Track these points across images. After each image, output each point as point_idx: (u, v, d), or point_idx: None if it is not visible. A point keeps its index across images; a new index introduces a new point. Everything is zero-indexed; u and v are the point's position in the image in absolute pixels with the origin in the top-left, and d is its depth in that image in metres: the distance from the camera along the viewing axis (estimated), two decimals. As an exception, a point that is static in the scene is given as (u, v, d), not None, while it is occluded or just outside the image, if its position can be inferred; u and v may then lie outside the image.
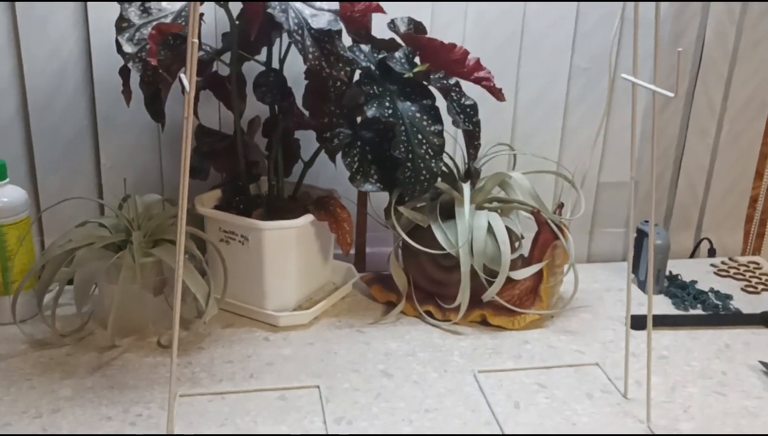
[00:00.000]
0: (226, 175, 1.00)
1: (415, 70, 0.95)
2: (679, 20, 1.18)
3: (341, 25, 0.78)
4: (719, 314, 1.03)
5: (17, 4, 0.98)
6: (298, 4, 0.76)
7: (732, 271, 1.18)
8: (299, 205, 0.98)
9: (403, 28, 0.97)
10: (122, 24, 0.71)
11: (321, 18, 0.76)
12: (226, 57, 0.93)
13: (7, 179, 0.92)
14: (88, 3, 0.99)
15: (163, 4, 0.73)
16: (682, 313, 1.04)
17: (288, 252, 0.94)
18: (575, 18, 1.15)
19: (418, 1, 1.06)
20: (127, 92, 0.81)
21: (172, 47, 0.78)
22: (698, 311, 1.05)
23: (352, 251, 1.17)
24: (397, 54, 0.96)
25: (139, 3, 0.72)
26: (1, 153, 1.04)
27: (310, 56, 0.75)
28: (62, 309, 0.95)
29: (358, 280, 1.06)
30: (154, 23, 0.72)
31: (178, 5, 0.74)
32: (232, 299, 0.96)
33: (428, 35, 0.99)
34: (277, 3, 0.75)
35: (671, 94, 0.63)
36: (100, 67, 1.03)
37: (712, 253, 1.25)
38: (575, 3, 1.14)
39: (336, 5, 0.77)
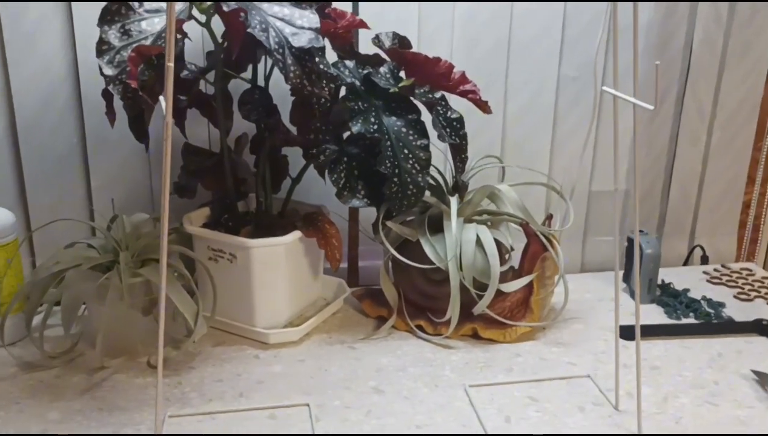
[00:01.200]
0: (214, 193, 1.00)
1: (400, 84, 0.95)
2: (666, 26, 1.18)
3: (323, 43, 0.78)
4: (711, 323, 1.03)
5: (4, 22, 0.99)
6: (278, 23, 0.76)
7: (725, 278, 1.18)
8: (288, 221, 0.98)
9: (387, 43, 0.97)
10: (102, 47, 0.72)
11: (302, 36, 0.76)
12: (212, 75, 0.93)
13: (-6, 203, 0.92)
14: (75, 23, 1.00)
15: (143, 25, 0.74)
16: (674, 322, 1.03)
17: (277, 269, 0.94)
18: (561, 26, 1.15)
19: (405, 0, 1.05)
20: (110, 114, 0.81)
21: (156, 67, 0.78)
22: (690, 320, 1.04)
23: (344, 265, 1.17)
24: (382, 69, 0.96)
25: (119, 25, 0.72)
26: (-10, 175, 1.04)
27: (292, 75, 0.75)
28: (51, 331, 0.95)
29: (349, 295, 1.06)
30: (134, 45, 0.72)
31: (159, 26, 0.74)
32: (222, 317, 0.96)
33: (415, 47, 1.00)
34: (257, 22, 0.75)
35: (650, 108, 0.63)
36: (89, 85, 1.04)
37: (705, 260, 1.25)
38: (561, 11, 1.14)
39: (317, 23, 0.77)
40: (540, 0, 1.12)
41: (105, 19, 0.73)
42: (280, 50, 0.75)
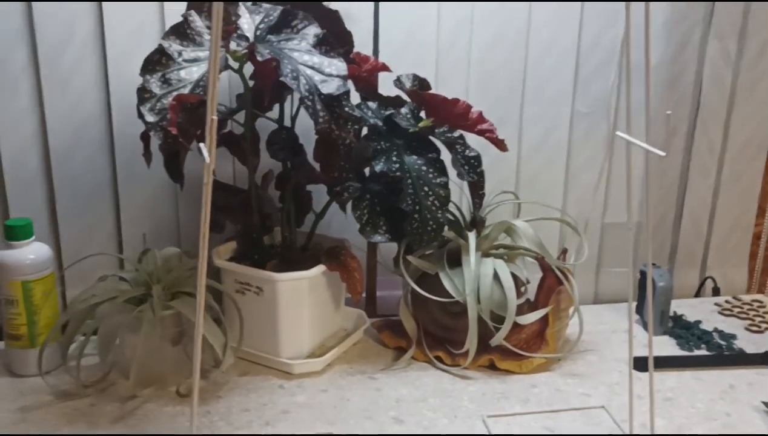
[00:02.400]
0: (241, 228, 1.04)
1: (420, 125, 1.00)
2: (676, 64, 1.22)
3: (349, 87, 0.82)
4: (723, 355, 1.05)
5: (42, 64, 1.04)
6: (308, 71, 0.80)
7: (736, 310, 1.21)
8: (311, 255, 1.02)
9: (408, 85, 1.01)
10: (144, 94, 0.76)
11: (330, 84, 0.80)
12: (240, 115, 0.97)
13: (33, 237, 0.96)
14: (109, 62, 1.05)
15: (182, 74, 0.78)
16: (687, 354, 1.06)
17: (301, 301, 0.97)
18: (575, 64, 1.20)
19: (422, 1, 1.09)
20: (147, 155, 0.86)
21: (190, 111, 0.83)
22: (703, 352, 1.07)
23: (362, 295, 1.20)
24: (403, 110, 1.00)
25: (160, 74, 0.77)
26: (23, 208, 1.09)
27: (321, 120, 0.80)
28: (84, 360, 0.98)
29: (369, 326, 1.09)
30: (174, 93, 0.76)
31: (196, 75, 0.79)
32: (247, 348, 1.00)
33: (432, 88, 1.04)
34: (289, 71, 0.79)
35: (662, 154, 0.67)
36: (120, 123, 1.08)
37: (716, 291, 1.28)
38: (575, 51, 1.18)
39: (345, 71, 0.82)
40: None
41: (147, 69, 0.78)
42: (310, 97, 0.79)
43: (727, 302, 1.24)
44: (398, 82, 1.01)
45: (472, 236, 0.99)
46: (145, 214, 1.13)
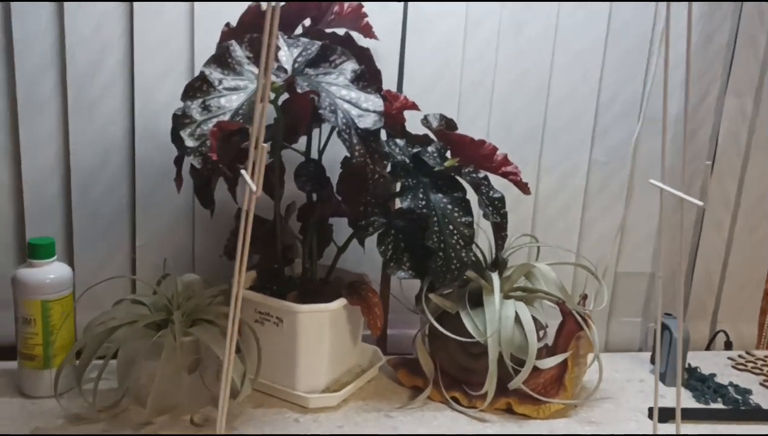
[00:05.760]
0: (262, 258, 1.04)
1: (446, 164, 1.00)
2: (693, 121, 1.24)
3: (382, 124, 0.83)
4: (741, 409, 1.05)
5: (70, 89, 1.05)
6: (345, 105, 0.81)
7: (750, 365, 1.20)
8: (332, 288, 1.01)
9: (435, 124, 1.02)
10: (185, 120, 0.77)
11: (367, 118, 0.81)
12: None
13: (55, 256, 0.96)
14: (136, 90, 1.06)
15: (222, 101, 0.79)
16: (704, 406, 1.05)
17: (321, 334, 0.97)
18: (594, 114, 1.22)
19: (450, 1, 1.11)
20: (179, 180, 0.86)
21: (223, 138, 0.83)
22: (719, 405, 1.06)
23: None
24: (430, 148, 1.01)
25: (200, 101, 0.77)
26: (42, 229, 1.08)
27: (357, 154, 0.80)
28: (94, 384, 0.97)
29: (384, 363, 1.08)
30: (214, 120, 0.77)
31: (236, 103, 0.79)
32: (263, 379, 0.98)
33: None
34: (327, 104, 0.80)
35: (700, 203, 0.67)
36: (143, 150, 1.09)
37: (728, 345, 1.28)
38: (594, 102, 1.20)
39: (381, 106, 0.83)
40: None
41: (188, 95, 0.79)
42: (347, 130, 0.80)
43: (740, 356, 1.24)
44: (425, 121, 1.02)
45: (495, 276, 0.99)
46: (161, 241, 1.13)
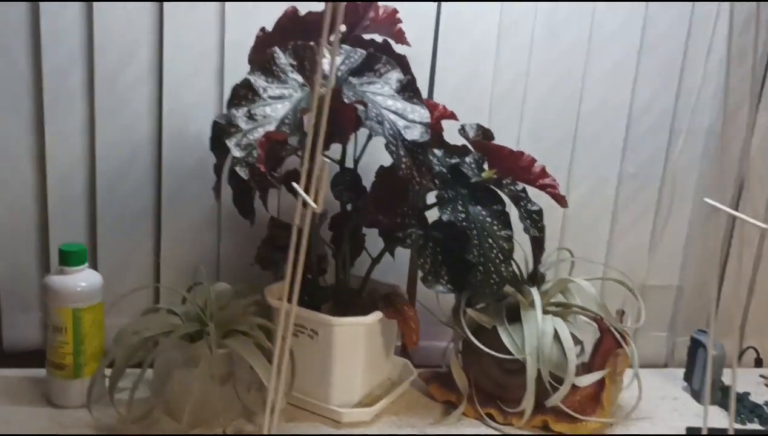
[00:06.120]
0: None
1: (484, 175, 0.99)
2: (726, 132, 1.23)
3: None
4: (776, 429, 1.03)
5: (97, 88, 1.03)
6: (392, 116, 0.80)
7: (782, 383, 1.19)
8: (366, 300, 1.00)
9: (472, 134, 1.01)
10: (231, 129, 0.75)
11: (414, 130, 0.79)
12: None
13: (86, 264, 0.94)
14: (165, 90, 1.04)
15: (268, 110, 0.77)
16: (740, 426, 1.04)
17: (356, 348, 0.95)
18: (626, 125, 1.20)
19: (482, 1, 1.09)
20: (218, 189, 0.84)
21: (270, 148, 0.81)
22: (755, 426, 1.05)
23: (397, 344, 1.18)
24: (468, 159, 1.00)
25: (246, 109, 0.76)
26: (64, 232, 1.07)
27: (404, 166, 0.79)
28: (123, 394, 0.95)
29: (415, 377, 1.07)
30: (260, 130, 0.75)
31: (281, 112, 0.78)
32: (295, 392, 0.97)
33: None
34: (374, 115, 0.78)
35: (764, 226, 0.66)
36: (170, 152, 1.07)
37: (758, 362, 1.26)
38: (627, 112, 1.19)
39: (427, 117, 0.81)
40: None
41: (233, 103, 0.77)
42: (394, 142, 0.79)
43: (772, 374, 1.23)
44: (462, 131, 1.00)
45: (535, 292, 0.98)
46: (185, 246, 1.12)
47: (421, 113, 0.81)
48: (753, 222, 0.68)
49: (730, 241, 1.29)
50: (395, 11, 0.99)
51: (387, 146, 0.79)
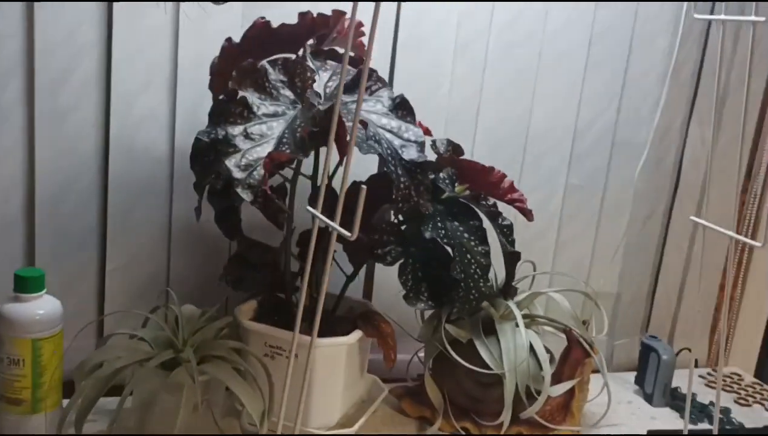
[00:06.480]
0: (266, 287, 0.98)
1: (457, 190, 0.99)
2: (661, 146, 1.30)
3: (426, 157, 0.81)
4: (729, 429, 1.09)
5: (37, 98, 0.96)
6: (388, 135, 0.79)
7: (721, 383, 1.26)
8: (340, 319, 0.98)
9: (442, 149, 1.01)
10: (229, 149, 0.71)
11: (410, 150, 0.79)
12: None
13: (45, 290, 0.87)
14: (113, 100, 0.99)
15: (264, 128, 0.74)
16: (693, 427, 1.10)
17: (337, 368, 0.93)
18: (572, 140, 1.25)
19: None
20: (199, 209, 0.80)
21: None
22: (705, 425, 1.11)
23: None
24: (442, 174, 1.00)
25: (242, 128, 0.72)
26: (1, 253, 0.98)
27: (402, 185, 0.78)
28: (89, 427, 0.89)
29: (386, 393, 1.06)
30: (258, 149, 0.72)
31: (278, 130, 0.75)
32: (273, 417, 0.93)
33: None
34: (372, 134, 0.77)
35: (758, 244, 0.70)
36: (118, 167, 1.02)
37: (696, 363, 1.34)
38: (572, 129, 1.24)
39: (421, 136, 0.81)
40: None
41: (228, 121, 0.73)
42: (392, 161, 0.77)
43: (709, 374, 1.31)
44: (434, 147, 1.00)
45: (513, 305, 0.99)
46: (133, 266, 1.06)
47: (416, 132, 0.80)
48: (746, 241, 0.72)
49: (663, 249, 1.37)
50: (360, 24, 0.97)
51: (387, 164, 0.77)
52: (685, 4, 1.19)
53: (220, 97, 0.82)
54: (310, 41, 0.96)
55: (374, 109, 0.81)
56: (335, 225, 0.59)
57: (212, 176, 0.77)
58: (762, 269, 1.40)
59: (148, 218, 1.05)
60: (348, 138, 0.80)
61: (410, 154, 0.79)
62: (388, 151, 0.77)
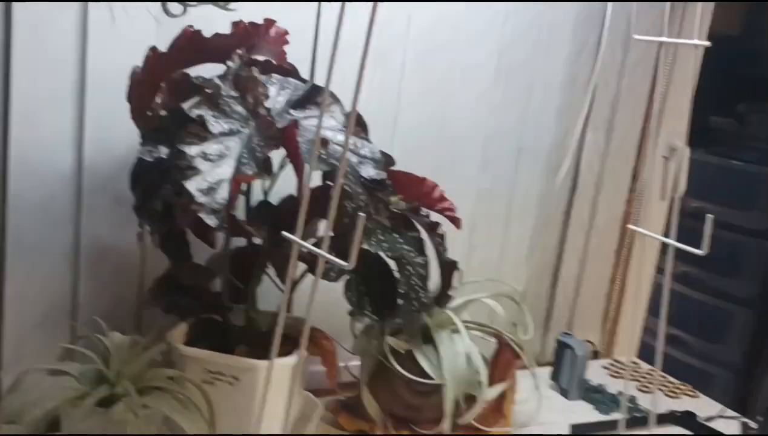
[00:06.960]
0: (198, 309, 0.93)
1: (393, 200, 0.99)
2: (561, 150, 1.37)
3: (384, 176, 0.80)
4: (644, 417, 1.16)
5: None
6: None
7: (623, 372, 1.35)
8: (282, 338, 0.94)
9: (376, 160, 1.00)
10: (188, 171, 0.66)
11: (367, 167, 0.77)
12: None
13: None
14: (12, 117, 0.91)
15: (222, 148, 0.70)
16: (607, 417, 1.16)
17: (281, 390, 0.90)
18: (482, 146, 1.29)
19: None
20: (142, 232, 0.74)
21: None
22: (617, 414, 1.18)
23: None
24: (377, 186, 0.99)
25: (199, 149, 0.67)
26: None
27: (361, 202, 0.76)
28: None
29: (321, 408, 1.04)
30: (218, 170, 0.68)
31: (236, 150, 0.70)
32: (213, 445, 0.89)
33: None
34: (331, 150, 0.75)
35: (701, 253, 0.74)
36: (17, 185, 0.94)
37: (595, 354, 1.43)
38: (482, 133, 1.28)
39: (378, 153, 0.79)
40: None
41: (185, 141, 0.68)
42: (353, 179, 0.76)
43: (611, 365, 1.39)
44: (367, 158, 0.99)
45: (453, 314, 1.00)
46: (35, 292, 0.98)
47: (371, 148, 0.79)
48: (691, 250, 0.77)
49: (563, 247, 1.44)
50: (285, 32, 0.95)
51: (345, 184, 0.75)
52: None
53: (161, 112, 0.75)
54: (239, 51, 0.91)
55: (328, 126, 0.78)
56: (327, 254, 0.57)
57: (157, 199, 0.71)
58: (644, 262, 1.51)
59: (50, 240, 0.98)
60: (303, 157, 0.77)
61: (368, 172, 0.77)
62: (348, 169, 0.75)
